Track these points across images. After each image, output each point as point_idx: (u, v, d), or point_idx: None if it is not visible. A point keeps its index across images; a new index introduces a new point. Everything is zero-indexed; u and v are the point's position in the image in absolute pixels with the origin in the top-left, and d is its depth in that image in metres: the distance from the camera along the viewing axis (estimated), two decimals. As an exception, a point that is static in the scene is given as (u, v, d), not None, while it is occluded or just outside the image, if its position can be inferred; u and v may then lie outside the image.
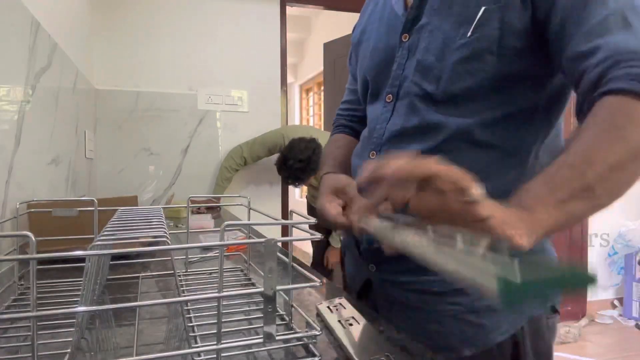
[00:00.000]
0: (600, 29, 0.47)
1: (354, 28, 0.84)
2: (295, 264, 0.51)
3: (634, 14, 0.47)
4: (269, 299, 0.38)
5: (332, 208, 0.64)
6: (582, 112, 0.49)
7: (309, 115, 5.91)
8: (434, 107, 0.62)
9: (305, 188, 2.56)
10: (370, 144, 0.71)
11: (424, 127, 0.63)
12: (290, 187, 2.59)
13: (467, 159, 0.59)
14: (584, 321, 3.11)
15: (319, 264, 2.51)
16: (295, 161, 2.02)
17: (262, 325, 0.39)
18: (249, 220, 0.76)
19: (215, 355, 0.39)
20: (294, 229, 0.48)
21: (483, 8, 0.56)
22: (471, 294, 0.61)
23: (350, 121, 0.90)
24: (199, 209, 1.96)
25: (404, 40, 0.67)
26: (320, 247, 2.52)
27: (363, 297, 0.75)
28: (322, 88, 3.74)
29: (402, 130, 0.65)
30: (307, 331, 0.47)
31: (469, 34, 0.57)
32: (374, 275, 0.71)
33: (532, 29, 0.55)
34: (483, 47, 0.57)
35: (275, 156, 2.34)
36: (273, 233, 2.46)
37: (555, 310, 0.65)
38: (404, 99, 0.66)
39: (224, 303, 0.57)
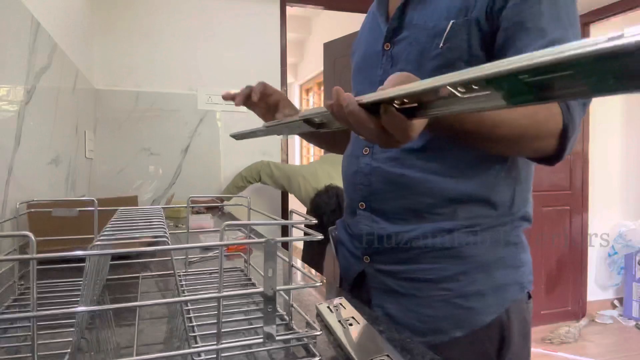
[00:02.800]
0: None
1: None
2: (295, 264, 0.51)
3: None
4: (269, 299, 0.38)
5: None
6: None
7: (309, 115, 5.89)
8: None
9: None
10: (362, 142, 0.77)
11: None
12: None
13: (453, 155, 0.68)
14: (584, 321, 3.11)
15: (306, 262, 2.49)
16: (329, 213, 2.06)
17: (262, 325, 0.39)
18: (249, 220, 0.76)
19: (215, 355, 0.39)
20: (294, 229, 0.48)
21: (452, 22, 0.64)
22: (461, 280, 0.67)
23: None
24: (198, 209, 1.96)
25: (386, 49, 0.74)
26: (310, 246, 2.49)
27: (356, 288, 0.78)
28: (322, 88, 3.74)
29: None
30: (307, 331, 0.47)
31: (441, 44, 0.65)
32: (368, 267, 0.75)
33: (492, 43, 0.63)
34: (455, 57, 0.64)
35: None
36: (273, 233, 2.46)
37: (530, 296, 0.72)
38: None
39: (224, 303, 0.57)
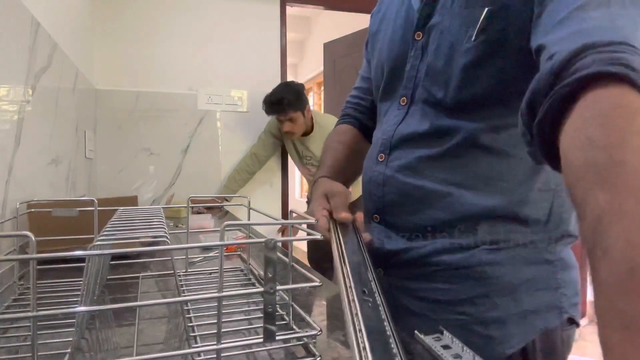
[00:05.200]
0: (574, 14, 0.42)
1: (372, 15, 0.80)
2: (295, 264, 0.51)
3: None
4: (269, 299, 0.38)
5: (320, 210, 0.64)
6: (537, 101, 0.40)
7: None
8: (444, 113, 0.61)
9: (306, 187, 2.53)
10: (379, 146, 0.70)
11: (435, 133, 0.62)
12: (290, 188, 2.57)
13: (475, 164, 0.59)
14: (584, 321, 3.11)
15: (312, 262, 2.48)
16: (278, 89, 2.20)
17: (262, 325, 0.39)
18: (249, 220, 0.76)
19: (215, 355, 0.39)
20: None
21: (487, 9, 0.54)
22: (479, 305, 0.59)
23: (357, 111, 0.88)
24: (198, 209, 1.95)
25: (417, 38, 0.64)
26: (314, 246, 2.48)
27: None
28: (322, 88, 3.74)
29: (413, 134, 0.64)
30: (307, 331, 0.47)
31: (474, 37, 0.55)
32: (381, 280, 0.70)
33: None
34: (488, 52, 0.55)
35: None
36: (273, 233, 2.46)
37: (574, 322, 0.61)
38: (417, 104, 0.65)
39: (224, 303, 0.57)
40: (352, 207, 0.65)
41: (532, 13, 0.49)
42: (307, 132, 2.29)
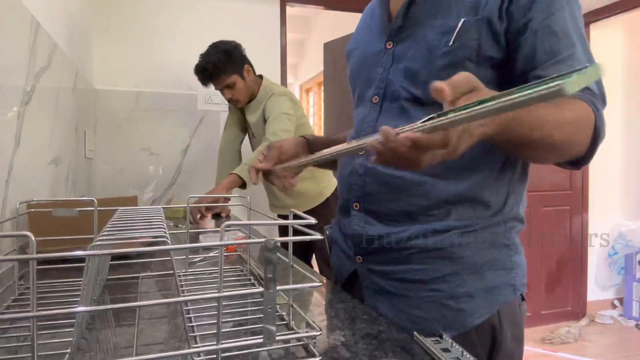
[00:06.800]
0: (567, 66, 0.60)
1: (348, 45, 0.91)
2: (295, 264, 0.51)
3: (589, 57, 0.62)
4: (269, 299, 0.38)
5: (256, 162, 0.79)
6: None
7: (308, 115, 5.91)
8: (423, 110, 0.68)
9: None
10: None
11: None
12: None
13: None
14: (584, 321, 3.11)
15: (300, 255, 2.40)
16: (204, 53, 1.86)
17: (262, 325, 0.39)
18: (249, 220, 0.76)
19: (215, 356, 0.39)
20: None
21: (463, 20, 0.63)
22: (451, 282, 0.67)
23: None
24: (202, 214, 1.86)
25: (388, 47, 0.73)
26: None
27: (349, 288, 0.78)
28: (322, 88, 3.74)
29: None
30: (307, 331, 0.47)
31: (451, 42, 0.64)
32: (360, 267, 0.75)
33: (506, 42, 0.63)
34: (464, 55, 0.64)
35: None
36: (273, 233, 2.46)
37: (524, 298, 0.71)
38: (392, 102, 0.72)
39: (224, 303, 0.57)
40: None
41: (507, 28, 0.62)
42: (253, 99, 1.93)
